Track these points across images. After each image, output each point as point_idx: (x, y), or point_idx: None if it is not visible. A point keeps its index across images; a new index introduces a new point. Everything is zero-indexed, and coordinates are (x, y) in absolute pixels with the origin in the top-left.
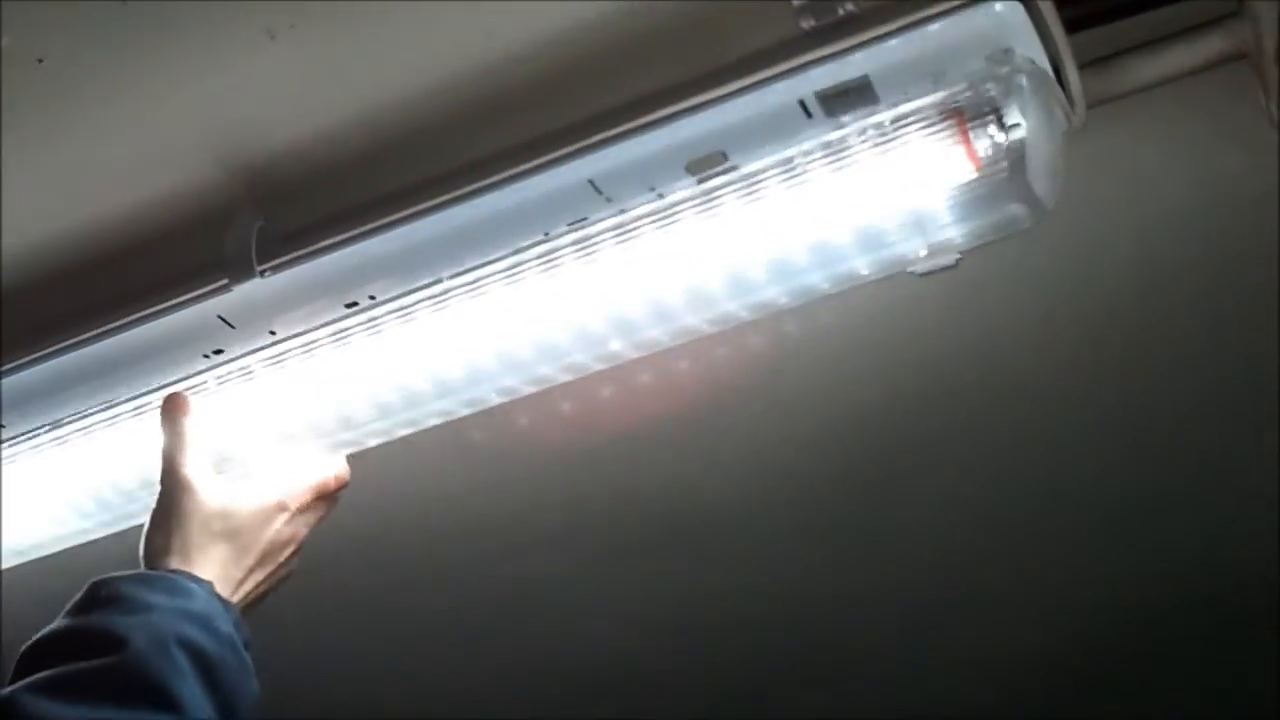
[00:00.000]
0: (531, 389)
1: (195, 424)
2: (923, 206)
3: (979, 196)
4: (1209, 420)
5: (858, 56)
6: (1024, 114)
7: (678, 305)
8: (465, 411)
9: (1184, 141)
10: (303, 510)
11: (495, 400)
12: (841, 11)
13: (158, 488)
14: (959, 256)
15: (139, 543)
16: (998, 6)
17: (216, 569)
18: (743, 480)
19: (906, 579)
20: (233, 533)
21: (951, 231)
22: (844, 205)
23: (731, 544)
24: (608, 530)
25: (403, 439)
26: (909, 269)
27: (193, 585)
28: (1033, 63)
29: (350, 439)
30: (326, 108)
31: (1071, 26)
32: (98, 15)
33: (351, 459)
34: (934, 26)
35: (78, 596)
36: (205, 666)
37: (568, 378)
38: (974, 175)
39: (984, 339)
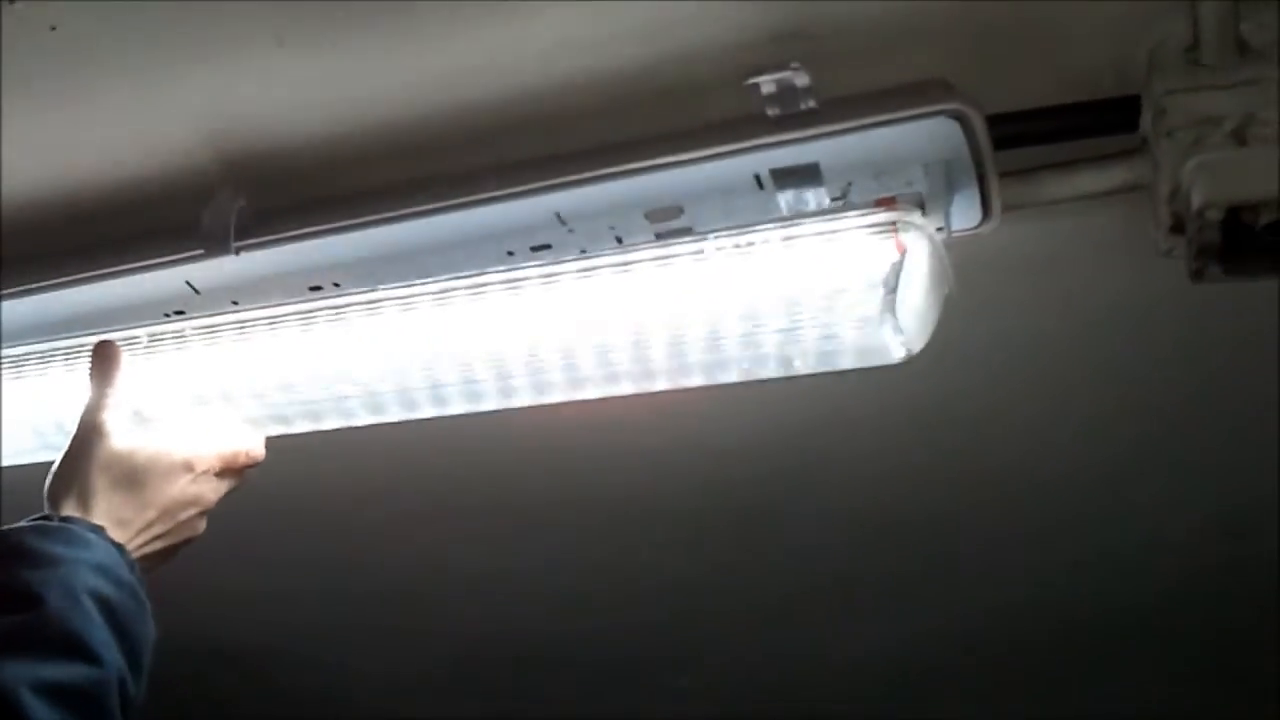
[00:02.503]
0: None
1: (122, 375)
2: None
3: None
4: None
5: (812, 146)
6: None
7: (621, 354)
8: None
9: (1083, 249)
10: (209, 475)
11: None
12: (803, 105)
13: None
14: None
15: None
16: (938, 123)
17: (112, 515)
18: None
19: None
20: (133, 482)
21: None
22: (786, 277)
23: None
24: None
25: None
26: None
27: (89, 535)
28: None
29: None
30: (319, 112)
31: (998, 144)
32: None
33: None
34: (881, 131)
35: None
36: (111, 614)
37: (512, 403)
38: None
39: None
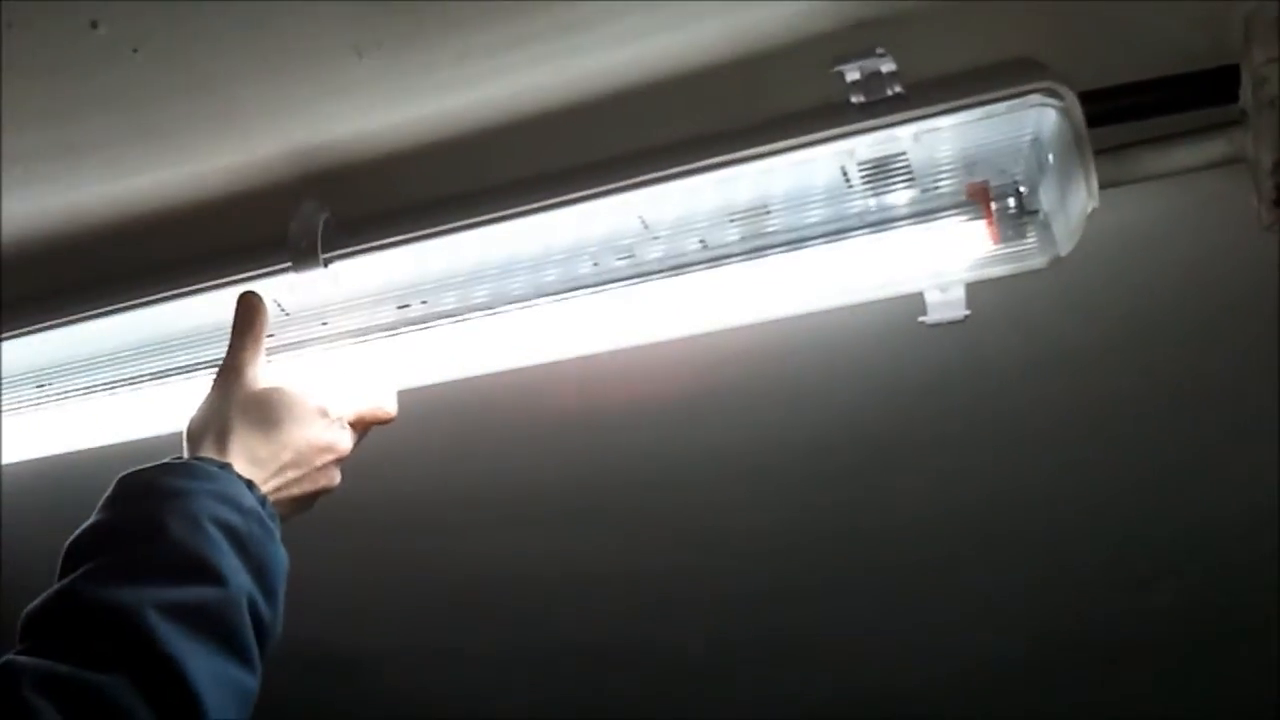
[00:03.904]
0: None
1: (263, 325)
2: (945, 270)
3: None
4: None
5: (900, 132)
6: (1046, 198)
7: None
8: None
9: (1180, 224)
10: (343, 423)
11: None
12: (890, 91)
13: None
14: (968, 313)
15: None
16: (1030, 103)
17: (247, 453)
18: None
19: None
20: (269, 422)
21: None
22: (878, 266)
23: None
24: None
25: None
26: (919, 319)
27: (213, 469)
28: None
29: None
30: (400, 123)
31: (1092, 122)
32: (194, 15)
33: None
34: (971, 114)
35: (108, 492)
36: (236, 539)
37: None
38: (994, 248)
39: (980, 372)
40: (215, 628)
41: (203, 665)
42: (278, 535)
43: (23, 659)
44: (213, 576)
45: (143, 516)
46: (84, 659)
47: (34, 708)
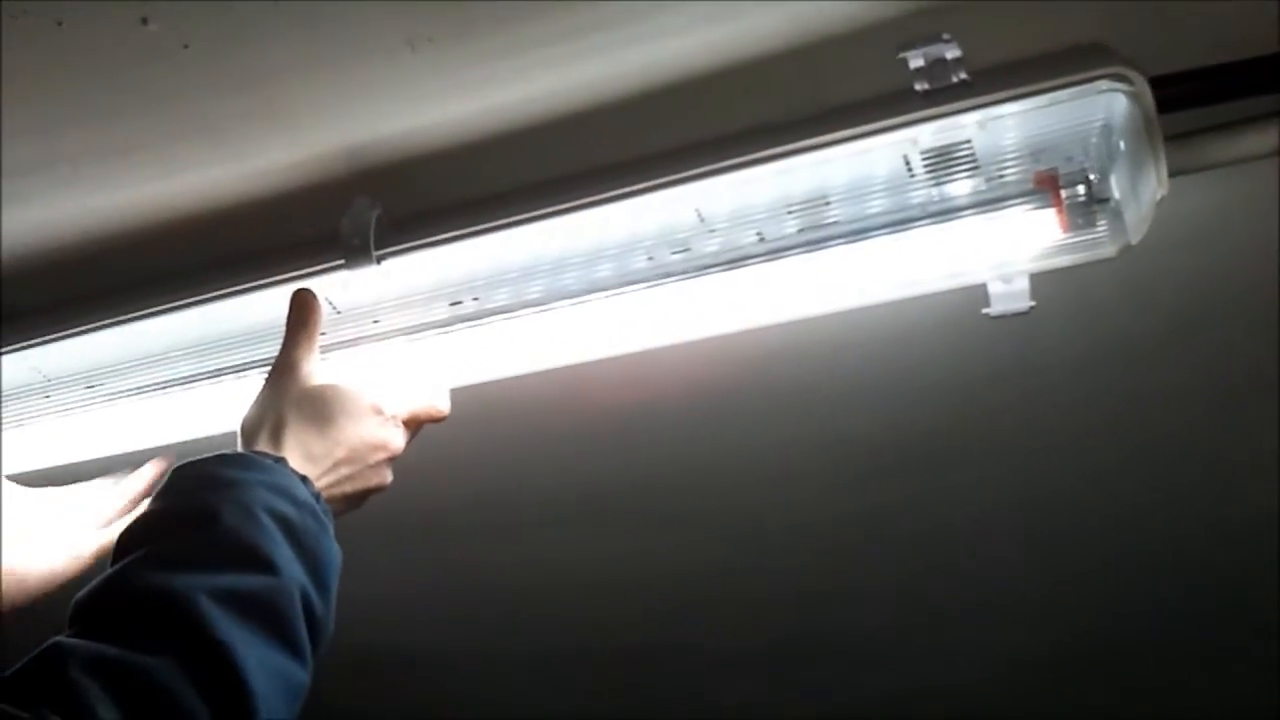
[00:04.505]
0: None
1: (317, 322)
2: (1010, 261)
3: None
4: (1234, 443)
5: (965, 119)
6: (1118, 186)
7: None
8: None
9: (1246, 213)
10: (397, 421)
11: None
12: (955, 78)
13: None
14: (1033, 304)
15: None
16: (1099, 88)
17: (301, 449)
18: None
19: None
20: (323, 419)
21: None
22: (941, 257)
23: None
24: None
25: None
26: (983, 311)
27: (268, 461)
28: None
29: None
30: (453, 117)
31: (1160, 108)
32: (245, 10)
33: None
34: (1038, 101)
35: (163, 482)
36: (289, 530)
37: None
38: (1062, 238)
39: (1037, 366)
40: (267, 616)
41: (252, 653)
42: (331, 530)
43: (71, 640)
44: (265, 565)
45: (196, 505)
46: (133, 642)
47: (81, 688)
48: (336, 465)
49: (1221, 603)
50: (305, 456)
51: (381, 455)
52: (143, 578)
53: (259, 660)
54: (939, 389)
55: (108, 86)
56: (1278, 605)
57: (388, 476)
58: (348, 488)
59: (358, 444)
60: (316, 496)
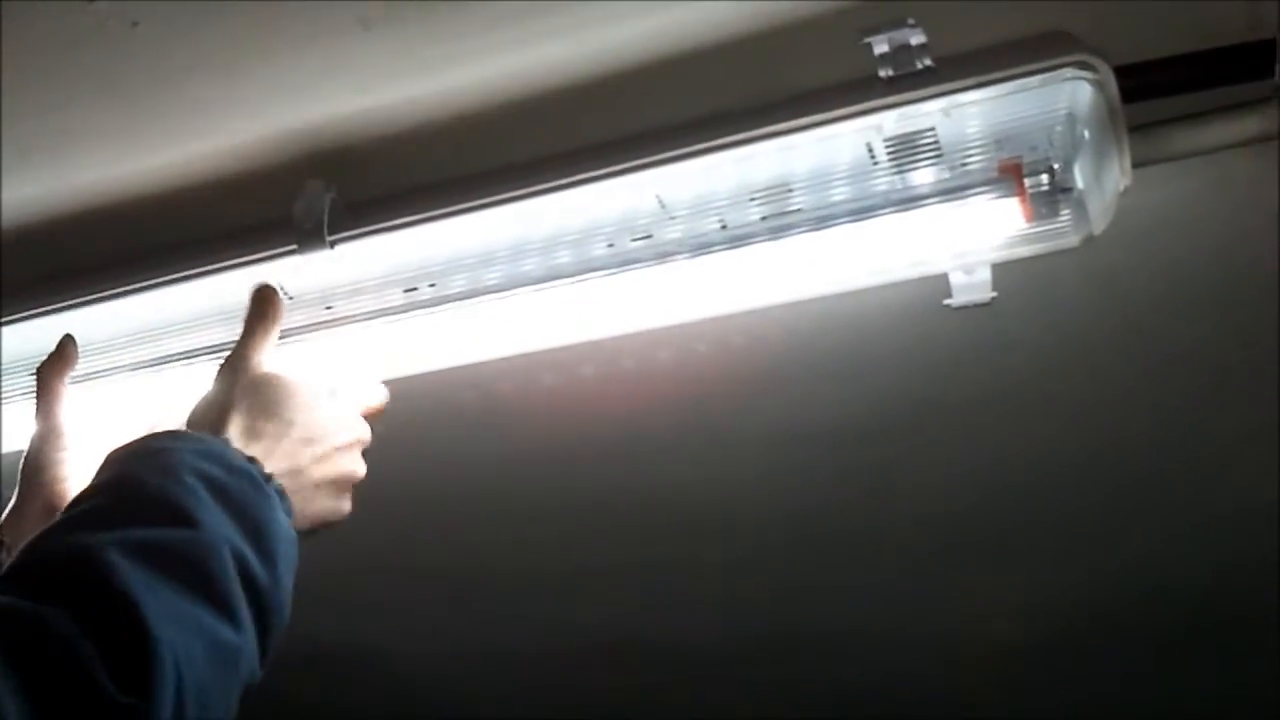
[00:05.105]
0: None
1: (276, 319)
2: (974, 249)
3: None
4: (1206, 434)
5: (929, 107)
6: (1082, 175)
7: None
8: None
9: (1210, 204)
10: (353, 404)
11: None
12: (919, 65)
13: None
14: (994, 295)
15: None
16: (1063, 77)
17: (245, 430)
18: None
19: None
20: (273, 403)
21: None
22: (904, 246)
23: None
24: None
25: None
26: (944, 302)
27: (201, 434)
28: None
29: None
30: (408, 99)
31: (1125, 97)
32: None
33: None
34: (1003, 89)
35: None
36: (217, 490)
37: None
38: (1026, 227)
39: (999, 351)
40: (184, 568)
41: (159, 601)
42: (278, 505)
43: None
44: (185, 519)
45: (118, 473)
46: (32, 593)
47: None
48: (296, 447)
49: (1178, 602)
50: (249, 433)
51: (347, 438)
52: (55, 537)
53: (169, 610)
54: (902, 381)
55: (54, 68)
56: (1247, 601)
57: (360, 466)
58: (316, 474)
59: (316, 425)
60: (265, 475)
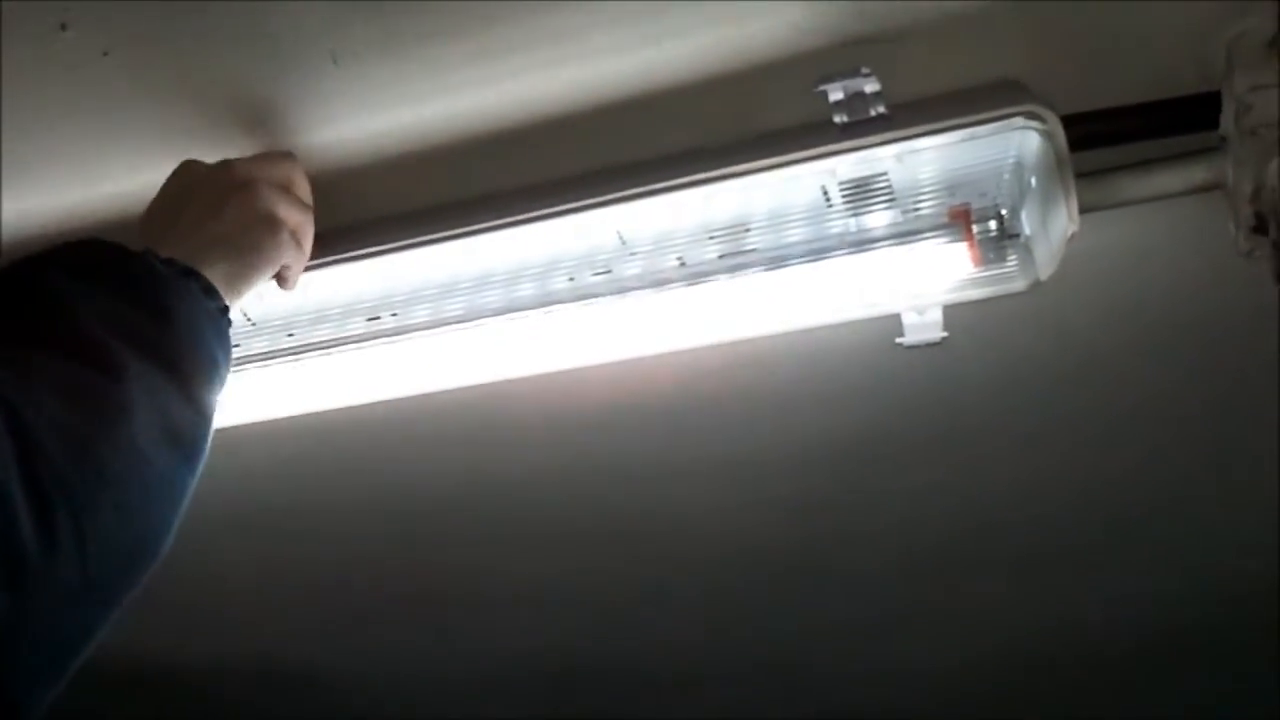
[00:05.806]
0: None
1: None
2: (924, 292)
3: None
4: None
5: (882, 153)
6: (1029, 222)
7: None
8: None
9: (1158, 250)
10: (259, 169)
11: None
12: (873, 112)
13: None
14: (945, 335)
15: None
16: (1013, 125)
17: (151, 214)
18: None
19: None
20: (184, 191)
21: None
22: (857, 286)
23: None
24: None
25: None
26: (896, 340)
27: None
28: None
29: None
30: (377, 132)
31: (1073, 145)
32: (166, 18)
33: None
34: (954, 136)
35: None
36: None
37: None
38: (974, 271)
39: (956, 391)
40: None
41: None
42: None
43: None
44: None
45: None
46: None
47: None
48: (180, 211)
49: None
50: (148, 215)
51: (252, 205)
52: None
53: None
54: (863, 411)
55: (26, 95)
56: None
57: (281, 247)
58: (212, 229)
59: (210, 193)
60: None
